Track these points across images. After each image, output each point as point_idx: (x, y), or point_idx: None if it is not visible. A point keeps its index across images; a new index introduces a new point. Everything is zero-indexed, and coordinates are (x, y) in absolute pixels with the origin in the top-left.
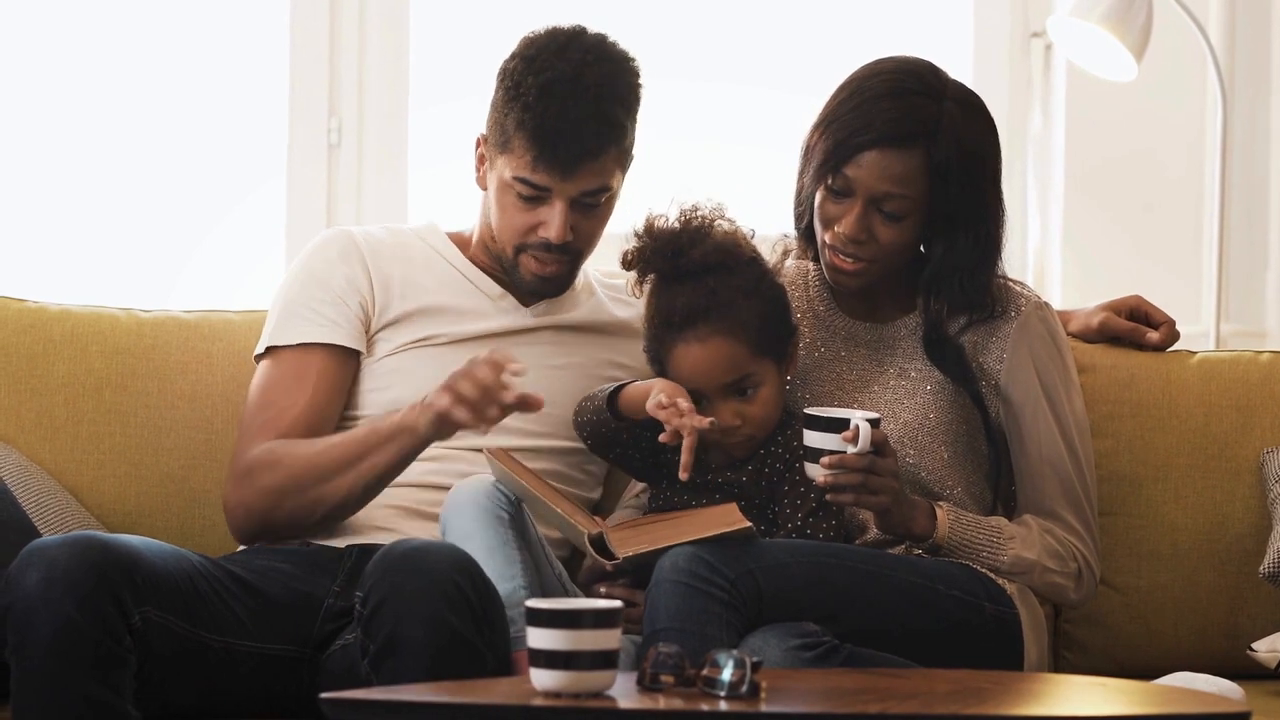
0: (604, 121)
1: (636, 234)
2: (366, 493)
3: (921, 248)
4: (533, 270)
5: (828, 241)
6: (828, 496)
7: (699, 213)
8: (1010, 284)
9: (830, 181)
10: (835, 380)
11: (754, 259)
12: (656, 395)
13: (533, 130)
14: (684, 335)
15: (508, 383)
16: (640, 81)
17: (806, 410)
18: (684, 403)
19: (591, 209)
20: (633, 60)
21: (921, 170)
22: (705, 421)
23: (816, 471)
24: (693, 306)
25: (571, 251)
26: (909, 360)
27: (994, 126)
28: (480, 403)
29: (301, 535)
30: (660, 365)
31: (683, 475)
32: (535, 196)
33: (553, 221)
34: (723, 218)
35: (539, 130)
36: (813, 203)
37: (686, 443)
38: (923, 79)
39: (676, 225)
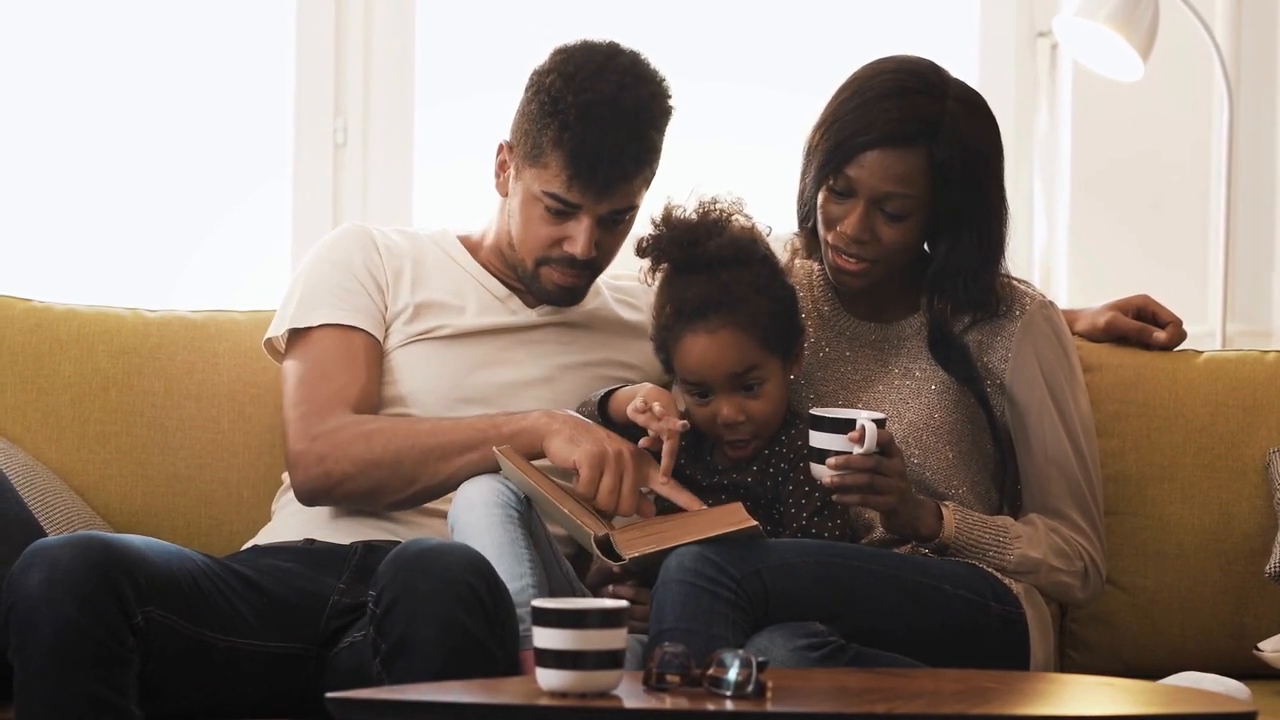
0: (641, 146)
1: (654, 222)
2: (455, 483)
3: (925, 247)
4: (554, 281)
5: (831, 242)
6: (834, 497)
7: (717, 206)
8: (1015, 283)
9: (832, 182)
10: (840, 380)
11: (767, 256)
12: (636, 400)
13: (572, 150)
14: (693, 326)
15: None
16: (672, 104)
17: (812, 411)
18: (659, 406)
19: (616, 225)
20: (664, 80)
21: (923, 170)
22: (680, 424)
23: (822, 472)
24: (705, 298)
25: (593, 266)
26: (914, 360)
27: (996, 125)
28: (609, 493)
29: (368, 507)
30: (667, 355)
31: (661, 477)
32: (563, 211)
33: (579, 238)
34: (740, 213)
35: (578, 151)
36: (816, 203)
37: (666, 446)
38: (924, 78)
39: (694, 217)
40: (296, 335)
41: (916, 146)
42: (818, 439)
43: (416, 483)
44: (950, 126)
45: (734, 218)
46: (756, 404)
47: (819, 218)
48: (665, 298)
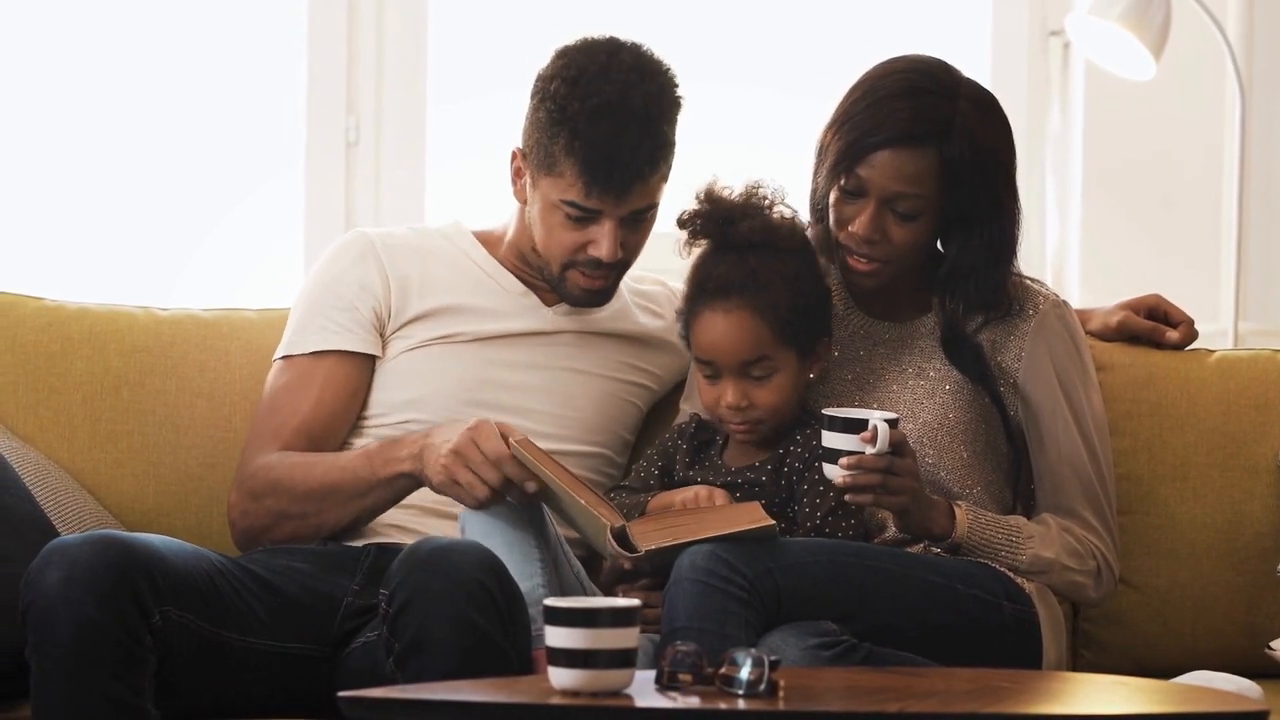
0: (655, 144)
1: (697, 197)
2: (364, 521)
3: (939, 246)
4: (581, 285)
5: (842, 241)
6: (847, 497)
7: (761, 190)
8: (1028, 282)
9: (843, 182)
10: (854, 379)
11: (804, 249)
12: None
13: (585, 158)
14: (712, 303)
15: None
16: (680, 93)
17: (825, 411)
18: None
19: (639, 224)
20: (670, 70)
21: (934, 170)
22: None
23: (835, 472)
24: (728, 277)
25: (620, 265)
26: (928, 359)
27: (1008, 125)
28: (485, 472)
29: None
30: (686, 330)
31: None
32: (585, 217)
33: (604, 241)
34: (784, 203)
35: (592, 158)
36: (828, 202)
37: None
38: (936, 78)
39: (737, 198)
40: (282, 360)
41: (927, 146)
42: (830, 439)
43: (324, 528)
44: (961, 126)
45: (776, 206)
46: (762, 393)
47: (831, 218)
48: (694, 272)
